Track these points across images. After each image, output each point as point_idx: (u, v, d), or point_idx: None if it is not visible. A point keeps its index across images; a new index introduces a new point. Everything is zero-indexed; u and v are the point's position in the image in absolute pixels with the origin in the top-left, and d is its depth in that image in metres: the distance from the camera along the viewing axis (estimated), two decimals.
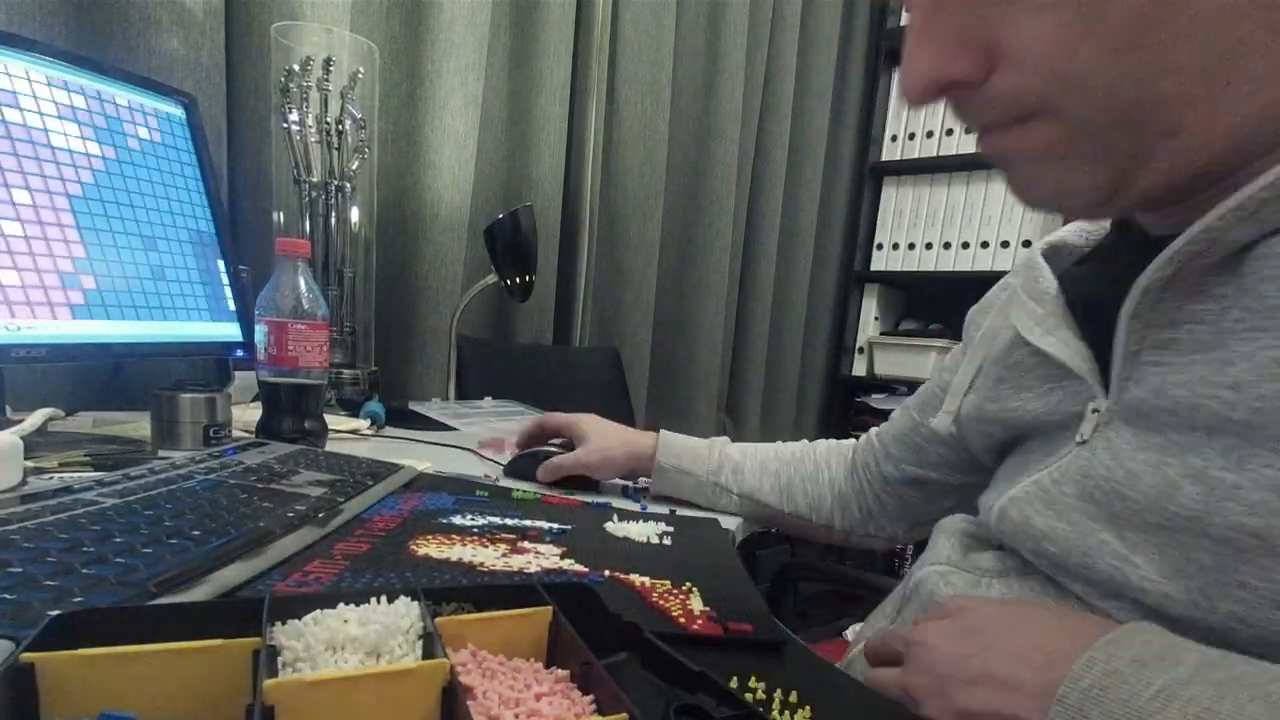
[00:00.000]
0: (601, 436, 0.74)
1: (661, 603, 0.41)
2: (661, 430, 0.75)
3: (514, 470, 0.78)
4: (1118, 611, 0.35)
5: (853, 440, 0.73)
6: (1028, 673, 0.31)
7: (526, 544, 0.50)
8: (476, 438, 0.94)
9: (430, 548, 0.47)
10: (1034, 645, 0.33)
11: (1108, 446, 0.36)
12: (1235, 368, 0.31)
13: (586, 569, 0.46)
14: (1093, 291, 0.41)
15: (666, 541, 0.56)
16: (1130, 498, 0.34)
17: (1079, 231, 0.46)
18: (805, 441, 0.75)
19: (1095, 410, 0.37)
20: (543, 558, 0.48)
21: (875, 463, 0.68)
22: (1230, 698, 0.26)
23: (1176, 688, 0.27)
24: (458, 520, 0.55)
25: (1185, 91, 0.28)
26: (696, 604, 0.42)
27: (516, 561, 0.46)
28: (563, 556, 0.49)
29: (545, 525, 0.56)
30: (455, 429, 1.01)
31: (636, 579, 0.45)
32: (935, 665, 0.36)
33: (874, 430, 0.71)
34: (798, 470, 0.71)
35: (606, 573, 0.46)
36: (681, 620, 0.39)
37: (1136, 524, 0.34)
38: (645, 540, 0.55)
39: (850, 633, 0.68)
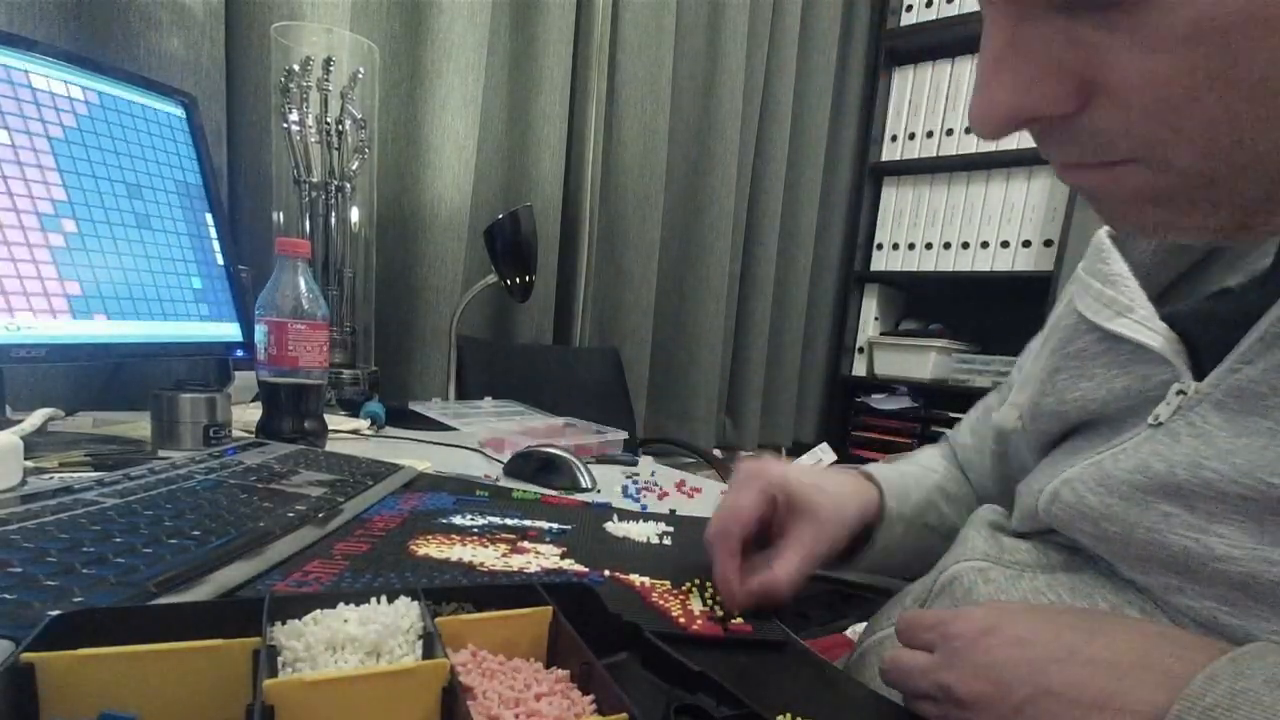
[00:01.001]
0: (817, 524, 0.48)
1: (661, 603, 0.41)
2: (874, 471, 0.56)
3: (513, 470, 0.78)
4: (1192, 597, 0.33)
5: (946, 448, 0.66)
6: (1124, 690, 0.28)
7: (526, 544, 0.50)
8: (476, 437, 0.94)
9: (430, 548, 0.47)
10: (1130, 657, 0.30)
11: (1192, 430, 0.34)
12: None
13: (586, 569, 0.46)
14: (1177, 274, 0.39)
15: (666, 542, 0.56)
16: (1210, 471, 0.32)
17: None
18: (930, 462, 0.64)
19: (1180, 392, 0.35)
20: (542, 558, 0.48)
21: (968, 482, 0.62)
22: None
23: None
24: (458, 520, 0.55)
25: None
26: (696, 604, 0.42)
27: (516, 561, 0.46)
28: (563, 556, 0.49)
29: (545, 525, 0.56)
30: (455, 429, 1.01)
31: (636, 579, 0.45)
32: (995, 669, 0.32)
33: (954, 446, 0.64)
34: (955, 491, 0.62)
35: (606, 573, 0.46)
36: (681, 620, 0.39)
37: (1209, 496, 0.32)
38: (645, 540, 0.55)
39: (852, 632, 0.66)
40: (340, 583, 0.40)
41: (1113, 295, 0.40)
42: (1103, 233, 0.42)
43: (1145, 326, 0.37)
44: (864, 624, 0.54)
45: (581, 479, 0.76)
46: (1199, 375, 0.35)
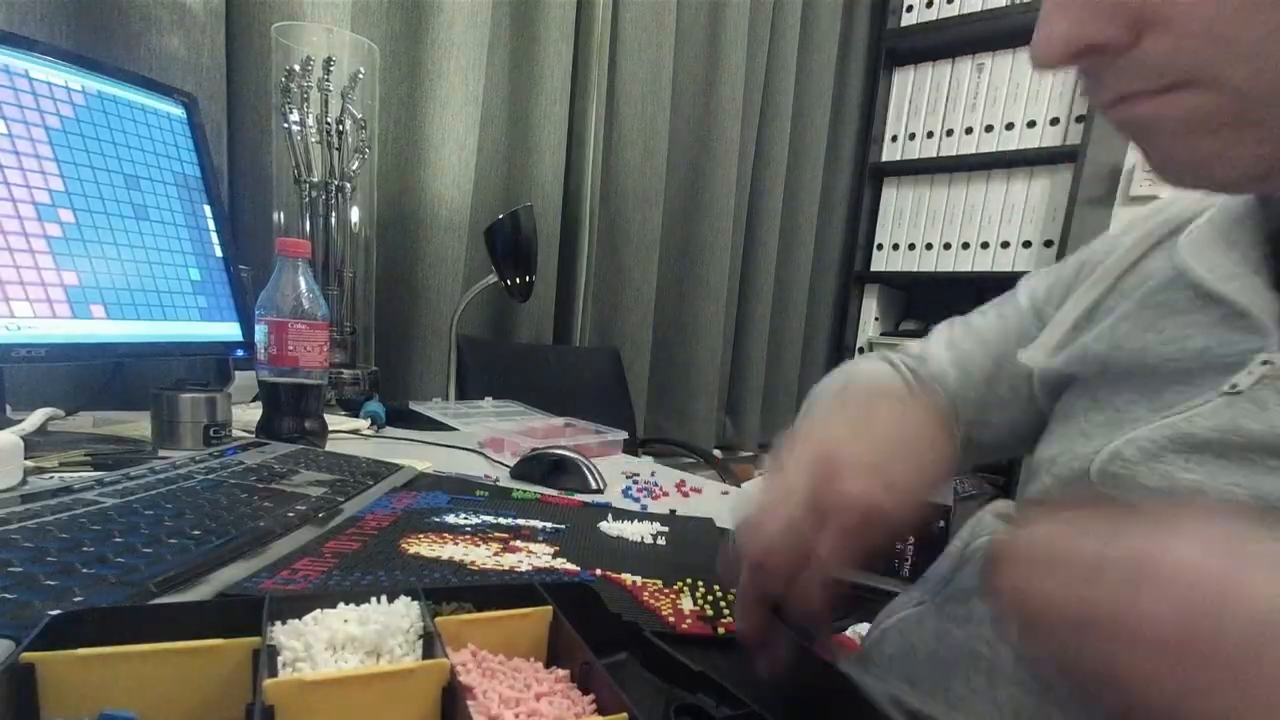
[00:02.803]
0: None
1: (652, 602, 0.41)
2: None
3: (521, 473, 0.78)
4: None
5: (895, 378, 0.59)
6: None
7: (519, 543, 0.50)
8: (476, 438, 0.94)
9: (421, 546, 0.47)
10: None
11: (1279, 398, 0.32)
12: None
13: (578, 568, 0.46)
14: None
15: (661, 541, 0.56)
16: None
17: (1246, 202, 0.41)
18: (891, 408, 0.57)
19: (1267, 362, 0.34)
20: (534, 556, 0.48)
21: None
22: None
23: None
24: (451, 519, 0.55)
25: None
26: (687, 603, 0.42)
27: (508, 560, 0.46)
28: (554, 555, 0.49)
29: (539, 524, 0.56)
30: (455, 429, 1.01)
31: (628, 578, 0.45)
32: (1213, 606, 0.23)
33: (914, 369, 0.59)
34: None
35: (598, 571, 0.46)
36: (671, 619, 0.39)
37: None
38: (639, 540, 0.55)
39: (853, 632, 0.66)
40: (328, 580, 0.39)
41: (1234, 257, 0.38)
42: (1221, 198, 0.40)
43: (1249, 291, 0.36)
44: (866, 624, 0.54)
45: (592, 480, 0.76)
46: None
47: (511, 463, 0.81)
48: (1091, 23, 0.29)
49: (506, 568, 0.45)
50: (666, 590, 0.44)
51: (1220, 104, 0.28)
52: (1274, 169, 0.30)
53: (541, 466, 0.77)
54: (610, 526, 0.58)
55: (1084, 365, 0.43)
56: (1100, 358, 0.42)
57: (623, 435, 1.01)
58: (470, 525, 0.54)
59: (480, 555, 0.46)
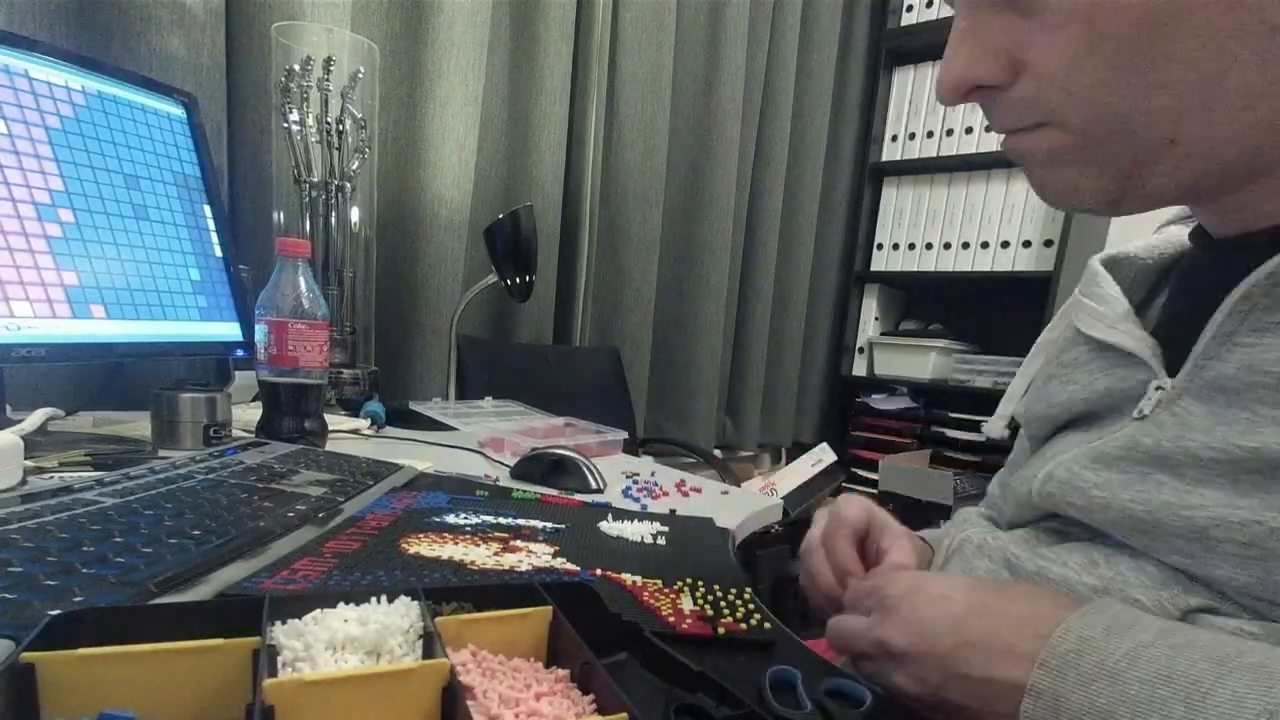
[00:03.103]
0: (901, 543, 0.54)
1: (652, 602, 0.41)
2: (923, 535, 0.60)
3: (521, 472, 0.78)
4: (1163, 553, 0.36)
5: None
6: (1022, 640, 0.33)
7: (519, 543, 0.50)
8: (476, 438, 0.94)
9: (421, 546, 0.47)
10: (1026, 614, 0.35)
11: (1175, 419, 0.37)
12: None
13: (578, 568, 0.46)
14: (1156, 293, 0.45)
15: (661, 541, 0.56)
16: (1194, 443, 0.35)
17: (1147, 248, 0.48)
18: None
19: (1159, 388, 0.39)
20: (534, 556, 0.48)
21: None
22: (1184, 657, 0.29)
23: (1141, 650, 0.30)
24: (451, 519, 0.54)
25: (1178, 106, 0.32)
26: (687, 603, 0.42)
27: (508, 560, 0.46)
28: (554, 555, 0.48)
29: (539, 524, 0.56)
30: (455, 429, 1.01)
31: (628, 578, 0.45)
32: (922, 623, 0.36)
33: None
34: None
35: (598, 571, 0.46)
36: (671, 619, 0.39)
37: (1194, 463, 0.35)
38: (639, 540, 0.55)
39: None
40: (328, 580, 0.39)
41: (1103, 310, 0.45)
42: (1096, 260, 0.48)
43: (1127, 335, 0.42)
44: None
45: (592, 480, 0.76)
46: (1174, 373, 0.39)
47: (511, 462, 0.81)
48: (979, 63, 0.35)
49: (506, 567, 0.45)
50: (666, 590, 0.44)
51: (1068, 142, 0.35)
52: (1119, 197, 0.36)
53: (541, 466, 0.77)
54: (610, 526, 0.58)
55: (1029, 425, 0.51)
56: (1038, 416, 0.49)
57: (623, 435, 1.01)
58: (470, 525, 0.53)
59: (480, 555, 0.46)
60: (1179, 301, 0.43)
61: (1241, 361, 0.35)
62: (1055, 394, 0.48)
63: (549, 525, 0.56)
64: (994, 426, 0.55)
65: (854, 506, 0.53)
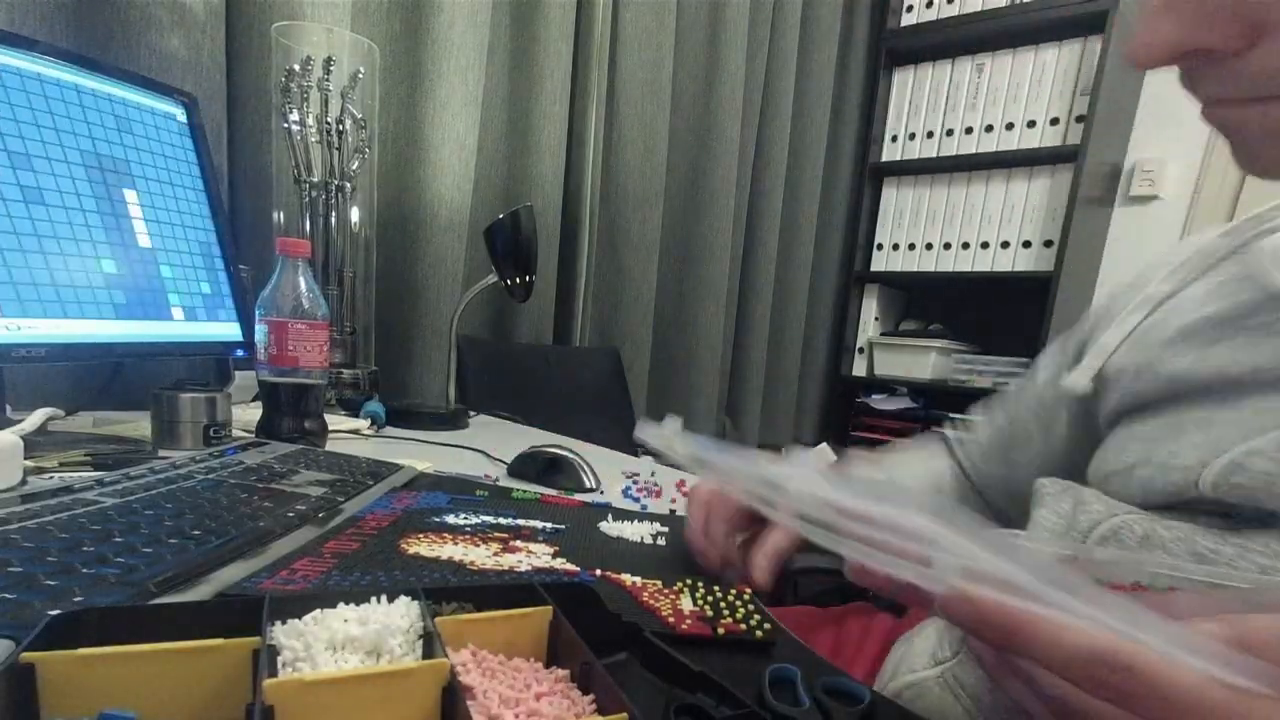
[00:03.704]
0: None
1: (651, 602, 0.41)
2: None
3: (517, 470, 0.78)
4: None
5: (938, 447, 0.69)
6: None
7: (519, 543, 0.50)
8: (479, 437, 0.94)
9: (421, 546, 0.47)
10: None
11: None
12: None
13: (577, 568, 0.46)
14: None
15: (661, 541, 0.56)
16: None
17: None
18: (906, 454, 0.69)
19: None
20: (534, 556, 0.48)
21: (966, 477, 0.65)
22: None
23: None
24: (450, 519, 0.54)
25: None
26: (686, 604, 0.42)
27: (507, 560, 0.46)
28: (554, 555, 0.48)
29: (539, 525, 0.56)
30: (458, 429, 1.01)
31: (628, 578, 0.45)
32: None
33: (956, 441, 0.67)
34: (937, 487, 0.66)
35: (598, 572, 0.46)
36: (671, 620, 0.39)
37: None
38: (639, 540, 0.55)
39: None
40: (327, 580, 0.39)
41: None
42: None
43: None
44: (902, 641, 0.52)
45: (585, 479, 0.76)
46: None
47: (509, 460, 0.81)
48: (1204, 27, 0.28)
49: (506, 568, 0.45)
50: (666, 590, 0.44)
51: None
52: None
53: (536, 464, 0.77)
54: (610, 527, 0.58)
55: (1136, 385, 0.44)
56: (1156, 377, 0.42)
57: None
58: (470, 525, 0.53)
59: (480, 555, 0.46)
60: None
61: None
62: (1185, 351, 0.42)
63: (549, 525, 0.56)
64: (1077, 380, 0.49)
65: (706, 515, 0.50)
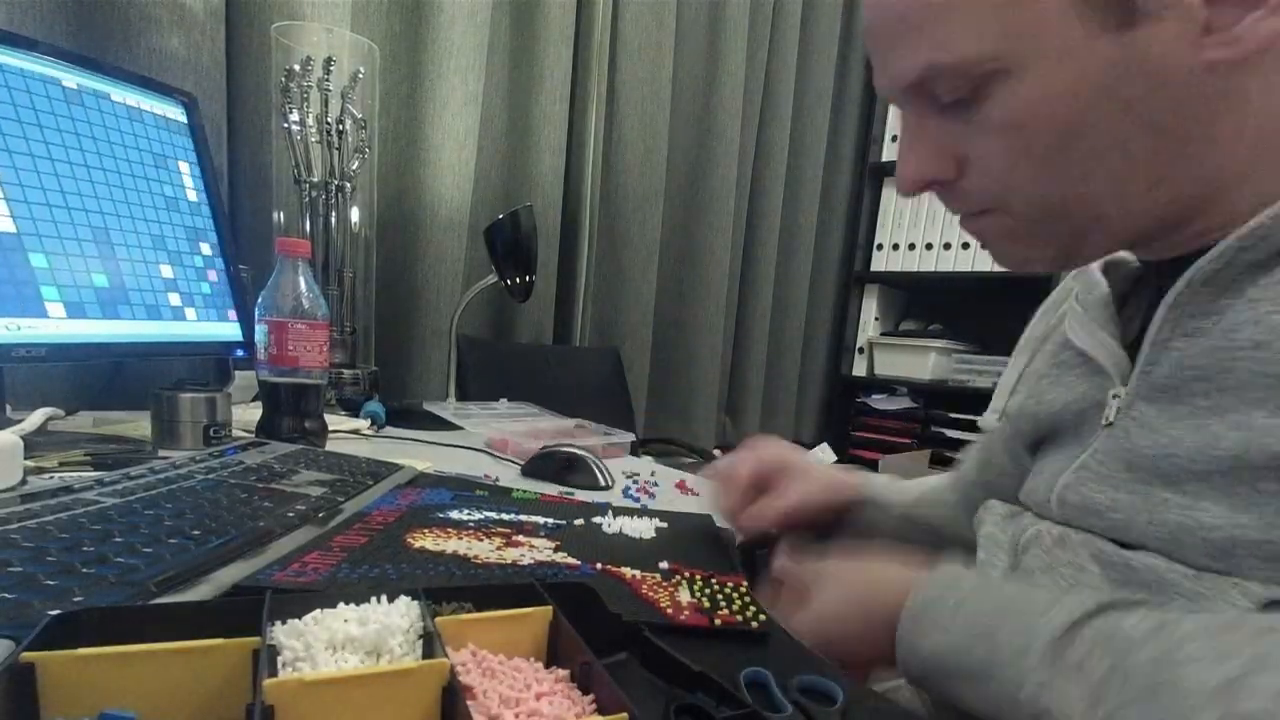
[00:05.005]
0: (807, 480, 0.66)
1: (650, 594, 0.42)
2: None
3: (533, 470, 0.79)
4: (1210, 562, 0.37)
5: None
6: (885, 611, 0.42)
7: (521, 538, 0.51)
8: (484, 438, 0.95)
9: (426, 540, 0.48)
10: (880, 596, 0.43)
11: (1136, 423, 0.41)
12: (1243, 334, 0.36)
13: (578, 562, 0.47)
14: (1136, 299, 0.48)
15: (661, 538, 0.57)
16: (1175, 457, 0.38)
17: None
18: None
19: (1115, 396, 0.43)
20: (536, 551, 0.49)
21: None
22: (985, 609, 0.38)
23: (960, 604, 0.39)
24: (454, 515, 0.55)
25: (1099, 191, 0.38)
26: (685, 596, 0.43)
27: (510, 554, 0.47)
28: (555, 550, 0.49)
29: (540, 520, 0.57)
30: (462, 428, 1.01)
31: (628, 571, 0.46)
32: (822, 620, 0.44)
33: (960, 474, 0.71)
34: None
35: (598, 565, 0.47)
36: (669, 611, 0.40)
37: (1187, 477, 0.38)
38: (639, 536, 0.56)
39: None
40: (337, 573, 0.40)
41: (1085, 317, 0.48)
42: (1094, 266, 0.50)
43: (1100, 345, 0.46)
44: None
45: (600, 478, 0.77)
46: None
47: (516, 462, 0.81)
48: (931, 163, 0.41)
49: (509, 562, 0.46)
50: (665, 583, 0.45)
51: (1015, 225, 0.42)
52: (1066, 261, 0.44)
53: (553, 464, 0.79)
54: (610, 523, 0.58)
55: (1021, 421, 0.54)
56: (1032, 416, 0.52)
57: (630, 437, 1.01)
58: (474, 520, 0.54)
59: (484, 549, 0.47)
60: (1144, 312, 0.46)
61: (1174, 361, 0.40)
62: (1045, 392, 0.51)
63: (550, 521, 0.57)
64: (988, 420, 0.58)
65: (748, 455, 0.65)
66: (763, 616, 0.41)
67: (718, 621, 0.39)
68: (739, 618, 0.40)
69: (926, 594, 0.41)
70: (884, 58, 0.41)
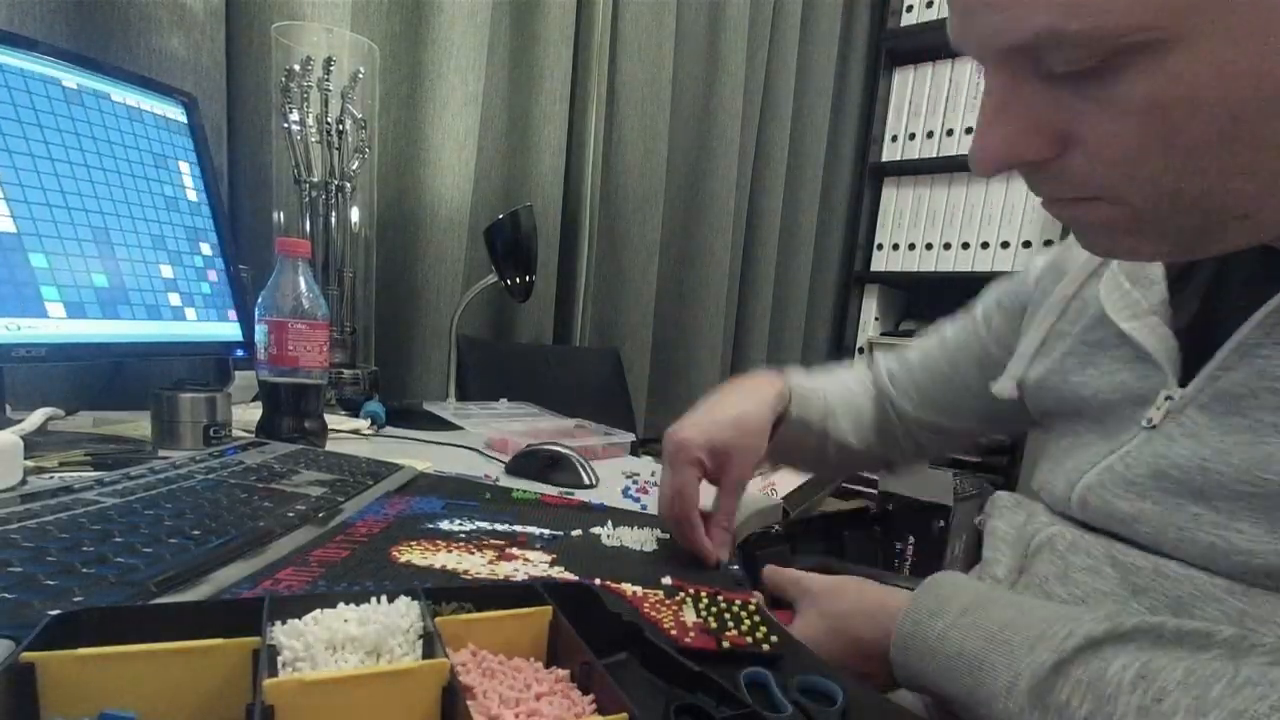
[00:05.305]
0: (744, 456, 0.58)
1: (653, 614, 0.40)
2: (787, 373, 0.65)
3: (516, 468, 0.79)
4: (1209, 579, 0.37)
5: (865, 371, 0.73)
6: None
7: (515, 550, 0.49)
8: (483, 438, 0.94)
9: (413, 554, 0.45)
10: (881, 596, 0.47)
11: (1184, 431, 0.38)
12: None
13: (576, 577, 0.45)
14: (1197, 287, 0.42)
15: (663, 548, 0.54)
16: (1216, 472, 0.36)
17: None
18: (839, 371, 0.73)
19: (1168, 398, 0.39)
20: (530, 565, 0.46)
21: (892, 406, 0.68)
22: (971, 635, 0.39)
23: (947, 629, 0.40)
24: (445, 525, 0.53)
25: (1259, 189, 0.31)
26: (690, 615, 0.40)
27: (503, 569, 0.45)
28: (552, 564, 0.47)
29: (536, 531, 0.54)
30: (462, 428, 1.01)
31: (628, 588, 0.44)
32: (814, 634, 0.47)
33: (885, 371, 0.70)
34: (860, 406, 0.70)
35: (597, 581, 0.44)
36: (674, 633, 0.37)
37: (1225, 495, 0.36)
38: (639, 547, 0.54)
39: None
40: (313, 591, 0.38)
41: (1136, 297, 0.43)
42: None
43: (1150, 332, 0.41)
44: None
45: (584, 476, 0.77)
46: (1188, 380, 0.39)
47: (509, 460, 0.81)
48: (1023, 140, 0.33)
49: (502, 577, 0.43)
50: (669, 601, 0.42)
51: (1124, 215, 0.34)
52: (1186, 253, 0.37)
53: (536, 462, 0.78)
54: (609, 533, 0.56)
55: (1042, 397, 0.50)
56: (1054, 391, 0.48)
57: (630, 437, 1.01)
58: (465, 532, 0.52)
59: (474, 563, 0.45)
60: (1215, 299, 0.41)
61: (1256, 370, 0.35)
62: (1072, 370, 0.47)
63: (545, 532, 0.54)
64: (1004, 387, 0.54)
65: (682, 472, 0.53)
66: (774, 638, 0.38)
67: (725, 644, 0.37)
68: (749, 639, 0.37)
69: (914, 618, 0.41)
70: (974, 11, 0.32)
